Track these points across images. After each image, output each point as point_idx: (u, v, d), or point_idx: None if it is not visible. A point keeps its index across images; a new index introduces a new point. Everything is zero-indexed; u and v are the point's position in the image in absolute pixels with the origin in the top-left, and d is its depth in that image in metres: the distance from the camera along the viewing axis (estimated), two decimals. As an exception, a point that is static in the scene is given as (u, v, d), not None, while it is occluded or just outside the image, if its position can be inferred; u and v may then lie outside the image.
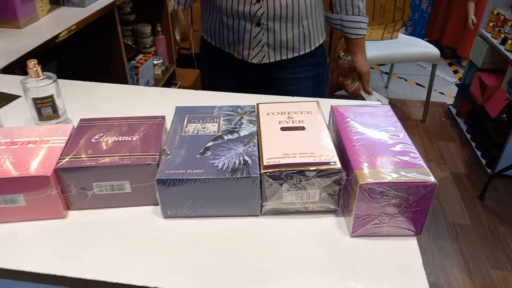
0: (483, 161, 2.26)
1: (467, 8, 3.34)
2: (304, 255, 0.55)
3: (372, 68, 3.01)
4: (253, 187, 0.57)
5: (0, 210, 0.58)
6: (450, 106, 2.85)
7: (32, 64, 0.71)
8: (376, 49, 2.58)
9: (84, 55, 1.73)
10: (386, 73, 3.40)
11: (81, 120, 0.68)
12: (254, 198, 0.59)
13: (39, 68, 0.72)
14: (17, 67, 1.08)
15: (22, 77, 1.02)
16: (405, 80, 3.30)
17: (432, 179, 0.53)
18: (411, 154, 0.57)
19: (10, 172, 0.56)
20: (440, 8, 3.50)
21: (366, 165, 0.55)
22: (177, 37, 2.63)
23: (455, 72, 3.44)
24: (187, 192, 0.58)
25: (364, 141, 0.60)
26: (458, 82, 3.23)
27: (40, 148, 0.61)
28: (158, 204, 0.62)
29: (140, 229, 0.59)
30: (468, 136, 2.50)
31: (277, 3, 1.05)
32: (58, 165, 0.58)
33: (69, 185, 0.59)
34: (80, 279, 0.52)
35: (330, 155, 0.59)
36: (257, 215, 0.61)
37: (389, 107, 0.70)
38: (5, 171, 0.57)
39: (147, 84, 2.08)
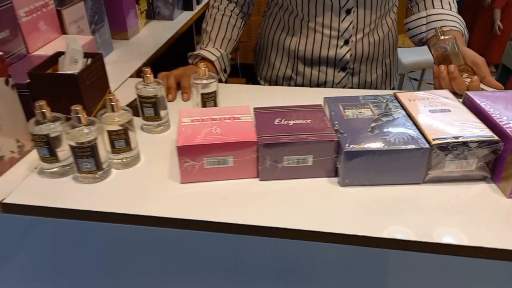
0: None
1: (493, 15, 3.47)
2: (467, 213, 0.66)
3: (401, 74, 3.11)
4: (423, 158, 0.69)
5: (213, 170, 0.71)
6: (482, 109, 2.96)
7: (147, 70, 0.83)
8: (413, 55, 2.73)
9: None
10: (415, 79, 3.52)
11: (255, 108, 0.80)
12: (422, 167, 0.70)
13: (151, 76, 0.85)
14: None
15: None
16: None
17: None
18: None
19: (225, 139, 0.69)
20: (467, 15, 3.64)
21: (522, 135, 0.66)
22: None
23: (482, 77, 3.54)
24: (366, 163, 0.69)
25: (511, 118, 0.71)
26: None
27: (237, 123, 0.75)
28: (332, 176, 0.73)
29: (323, 194, 0.70)
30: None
31: (366, 43, 1.01)
32: (259, 141, 0.69)
33: (265, 158, 0.70)
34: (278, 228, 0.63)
35: (484, 130, 0.70)
36: (419, 183, 0.72)
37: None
38: (220, 138, 0.70)
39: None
